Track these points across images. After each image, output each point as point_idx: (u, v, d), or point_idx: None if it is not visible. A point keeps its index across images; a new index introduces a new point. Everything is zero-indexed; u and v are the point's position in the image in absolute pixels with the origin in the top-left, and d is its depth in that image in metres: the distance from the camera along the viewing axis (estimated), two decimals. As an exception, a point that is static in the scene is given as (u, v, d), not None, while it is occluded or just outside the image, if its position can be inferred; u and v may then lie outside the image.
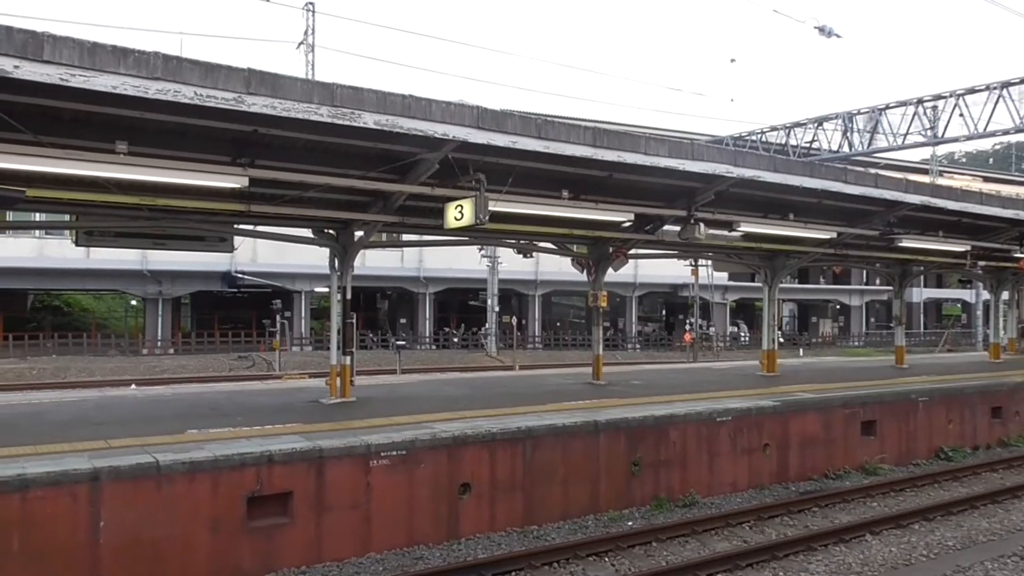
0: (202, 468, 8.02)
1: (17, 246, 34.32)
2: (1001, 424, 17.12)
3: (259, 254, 36.63)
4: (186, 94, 7.62)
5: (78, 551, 7.39)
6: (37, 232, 34.31)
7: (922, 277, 42.51)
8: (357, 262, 12.73)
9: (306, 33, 30.71)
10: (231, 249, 12.43)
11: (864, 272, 52.76)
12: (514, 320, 38.93)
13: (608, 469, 11.00)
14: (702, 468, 11.98)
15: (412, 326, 43.73)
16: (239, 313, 43.82)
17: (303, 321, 40.27)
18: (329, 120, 8.53)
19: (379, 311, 48.90)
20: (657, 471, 11.49)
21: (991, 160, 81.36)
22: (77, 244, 11.79)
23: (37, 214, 18.98)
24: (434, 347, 42.56)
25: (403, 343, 19.69)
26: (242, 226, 11.95)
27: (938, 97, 25.14)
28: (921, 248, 18.22)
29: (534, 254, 15.89)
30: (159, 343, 37.42)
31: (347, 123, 8.64)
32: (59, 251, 34.32)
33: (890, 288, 22.61)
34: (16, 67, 6.78)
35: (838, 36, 22.19)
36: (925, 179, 42.45)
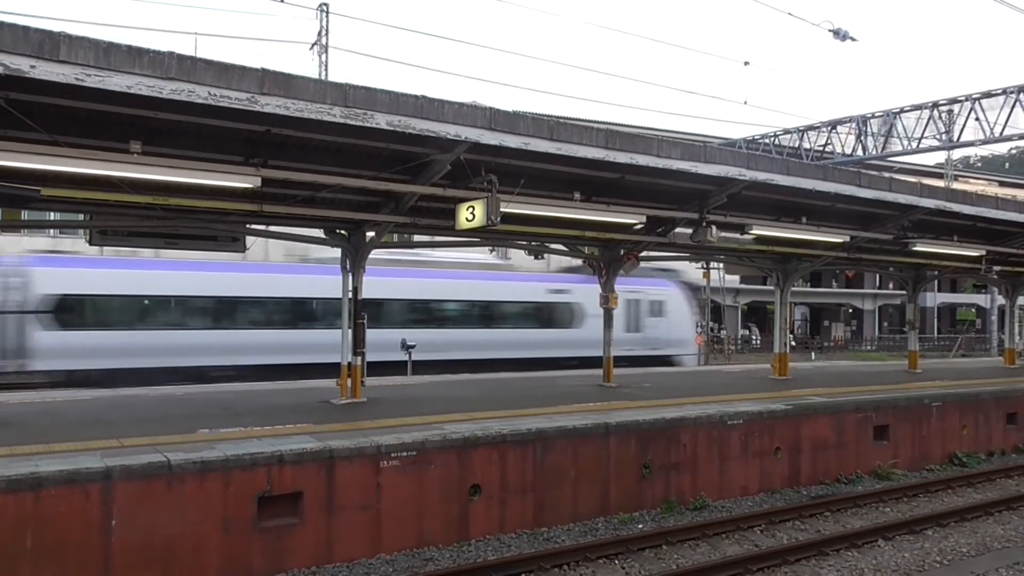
0: (213, 468, 8.05)
1: (32, 245, 34.57)
2: (1016, 430, 16.96)
3: (271, 254, 36.73)
4: (200, 94, 7.65)
5: (90, 550, 7.42)
6: (51, 231, 34.57)
7: (936, 281, 42.22)
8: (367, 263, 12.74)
9: (320, 34, 30.72)
10: (243, 249, 12.46)
11: (877, 276, 52.46)
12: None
13: (618, 471, 10.96)
14: (713, 471, 11.92)
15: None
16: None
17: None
18: (342, 121, 8.55)
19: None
20: (668, 474, 11.45)
21: (1007, 165, 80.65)
22: (91, 243, 11.86)
23: (51, 213, 19.10)
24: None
25: (414, 344, 19.63)
26: (254, 226, 11.99)
27: (953, 101, 24.94)
28: (935, 252, 18.07)
29: (544, 255, 15.89)
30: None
31: (360, 124, 8.66)
32: (73, 250, 34.53)
33: (903, 292, 22.42)
34: (33, 67, 6.83)
35: (853, 39, 22.02)
36: (940, 183, 42.13)
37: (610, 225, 13.44)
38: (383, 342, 15.20)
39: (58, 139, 8.40)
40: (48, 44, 6.89)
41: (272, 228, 12.60)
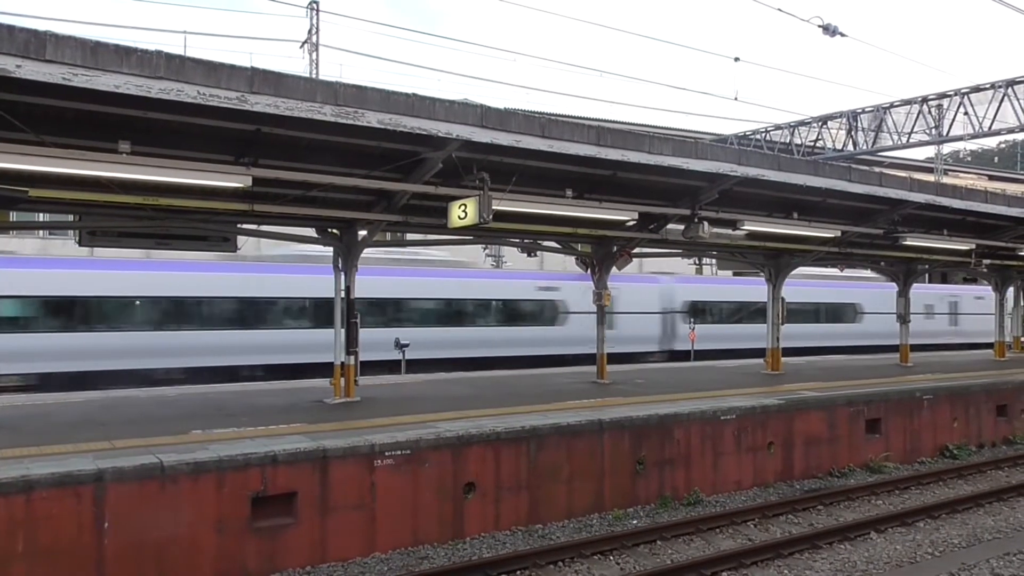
0: (206, 469, 8.02)
1: (21, 246, 34.35)
2: (1007, 422, 17.06)
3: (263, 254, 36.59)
4: (189, 93, 7.61)
5: (83, 552, 7.39)
6: (41, 232, 34.36)
7: (927, 275, 42.27)
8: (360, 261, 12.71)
9: (310, 32, 30.60)
10: (234, 249, 12.40)
11: (868, 271, 52.56)
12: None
13: (612, 468, 10.98)
14: (707, 466, 11.95)
15: (416, 326, 43.64)
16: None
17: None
18: (332, 119, 8.52)
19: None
20: (662, 470, 11.47)
21: (996, 159, 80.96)
22: (81, 244, 11.77)
23: (40, 214, 18.98)
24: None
25: (407, 343, 19.72)
26: (246, 225, 11.94)
27: (943, 96, 24.96)
28: (926, 247, 18.14)
29: (537, 253, 15.88)
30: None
31: (350, 122, 8.63)
32: (63, 251, 34.30)
33: (894, 286, 22.51)
34: (18, 66, 6.78)
35: (843, 35, 22.00)
36: (930, 178, 42.32)
37: (602, 222, 13.43)
38: (823, 333, 23.29)
39: (45, 139, 8.34)
40: (34, 43, 6.84)
41: (263, 228, 12.56)
